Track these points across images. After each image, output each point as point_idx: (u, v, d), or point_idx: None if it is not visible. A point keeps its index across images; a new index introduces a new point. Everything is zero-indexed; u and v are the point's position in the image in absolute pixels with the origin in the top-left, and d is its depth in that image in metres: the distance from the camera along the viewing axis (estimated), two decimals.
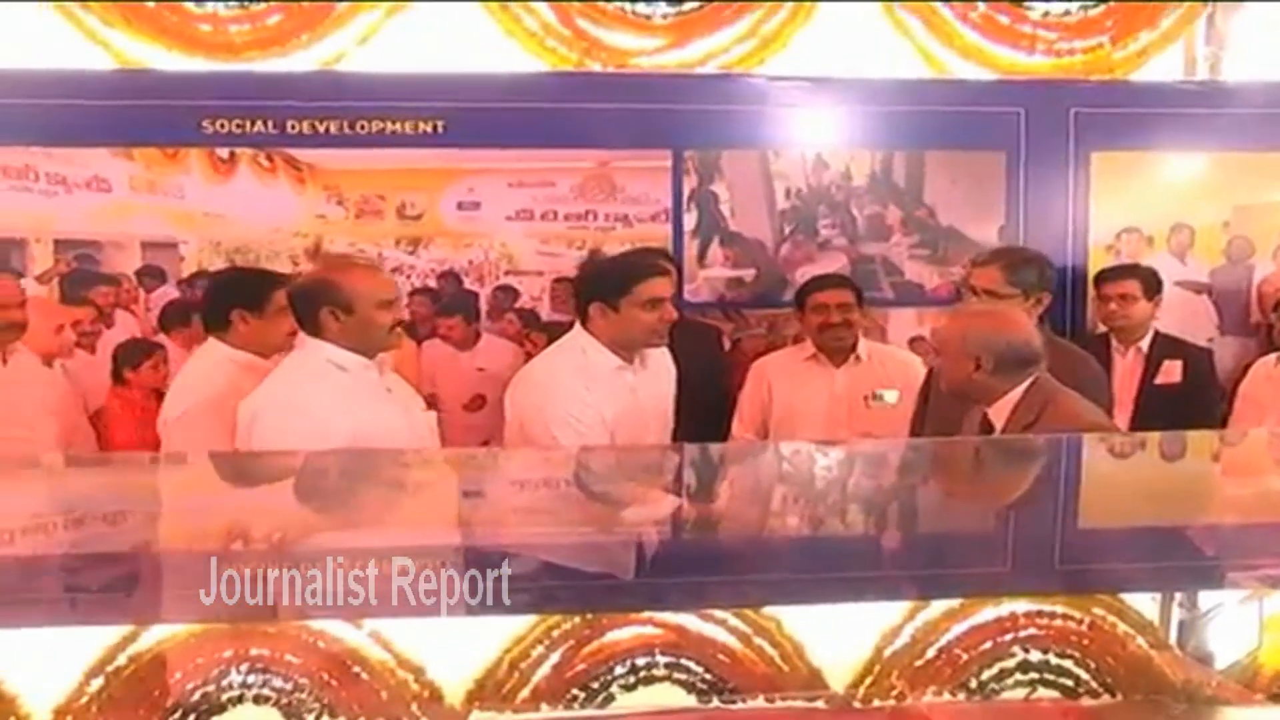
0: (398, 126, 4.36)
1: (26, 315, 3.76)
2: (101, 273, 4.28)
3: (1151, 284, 4.24)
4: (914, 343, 4.59)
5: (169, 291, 4.34)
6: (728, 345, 4.59)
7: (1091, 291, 4.46)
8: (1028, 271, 3.47)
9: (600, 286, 3.22)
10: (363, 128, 4.35)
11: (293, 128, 4.33)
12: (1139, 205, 4.69)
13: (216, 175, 4.34)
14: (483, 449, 3.08)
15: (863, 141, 4.61)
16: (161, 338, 4.32)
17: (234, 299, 3.36)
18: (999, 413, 2.89)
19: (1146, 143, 4.63)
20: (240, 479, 2.50)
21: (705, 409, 4.14)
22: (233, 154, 4.34)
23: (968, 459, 2.77)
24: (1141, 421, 3.94)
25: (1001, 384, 2.86)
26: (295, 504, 2.16)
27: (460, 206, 4.48)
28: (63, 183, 4.26)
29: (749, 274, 4.62)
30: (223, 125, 4.30)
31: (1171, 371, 4.14)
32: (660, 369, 3.40)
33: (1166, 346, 4.22)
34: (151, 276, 4.34)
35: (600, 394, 3.15)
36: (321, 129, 4.34)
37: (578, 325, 3.27)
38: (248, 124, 4.31)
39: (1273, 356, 3.83)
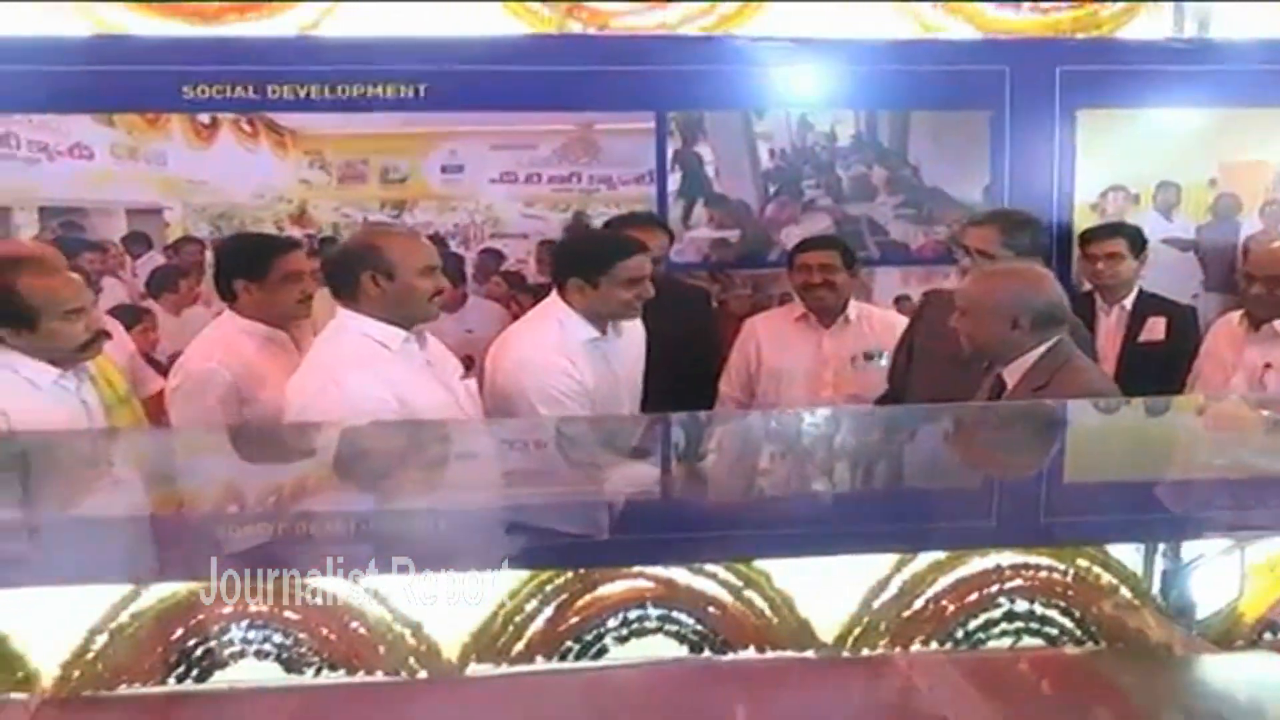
0: (379, 90, 4.33)
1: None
2: (88, 239, 4.25)
3: (1137, 242, 4.26)
4: (899, 303, 4.60)
5: (155, 257, 4.32)
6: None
7: (1076, 250, 4.48)
8: (1023, 235, 3.50)
9: (580, 263, 3.24)
10: (343, 92, 4.32)
11: (273, 93, 4.30)
12: (1125, 163, 4.69)
13: (198, 141, 4.31)
14: (511, 420, 3.06)
15: (847, 102, 4.59)
16: (149, 303, 4.31)
17: (235, 269, 3.29)
18: (1014, 371, 2.92)
19: (1133, 100, 4.62)
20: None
21: (694, 370, 4.17)
22: (214, 119, 4.31)
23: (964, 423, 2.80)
24: (1124, 379, 3.94)
25: (1030, 342, 2.89)
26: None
27: (444, 170, 4.46)
28: (44, 150, 4.23)
29: (734, 235, 4.62)
30: (203, 91, 4.27)
31: (1155, 329, 4.16)
32: (632, 338, 3.43)
33: (1150, 304, 4.24)
34: (137, 243, 4.31)
35: (579, 365, 3.17)
36: (302, 94, 4.30)
37: (554, 295, 3.28)
38: (228, 89, 4.28)
39: (1236, 314, 3.84)
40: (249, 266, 3.26)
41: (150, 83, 4.25)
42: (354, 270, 2.86)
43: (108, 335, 2.75)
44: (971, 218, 3.74)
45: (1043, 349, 2.89)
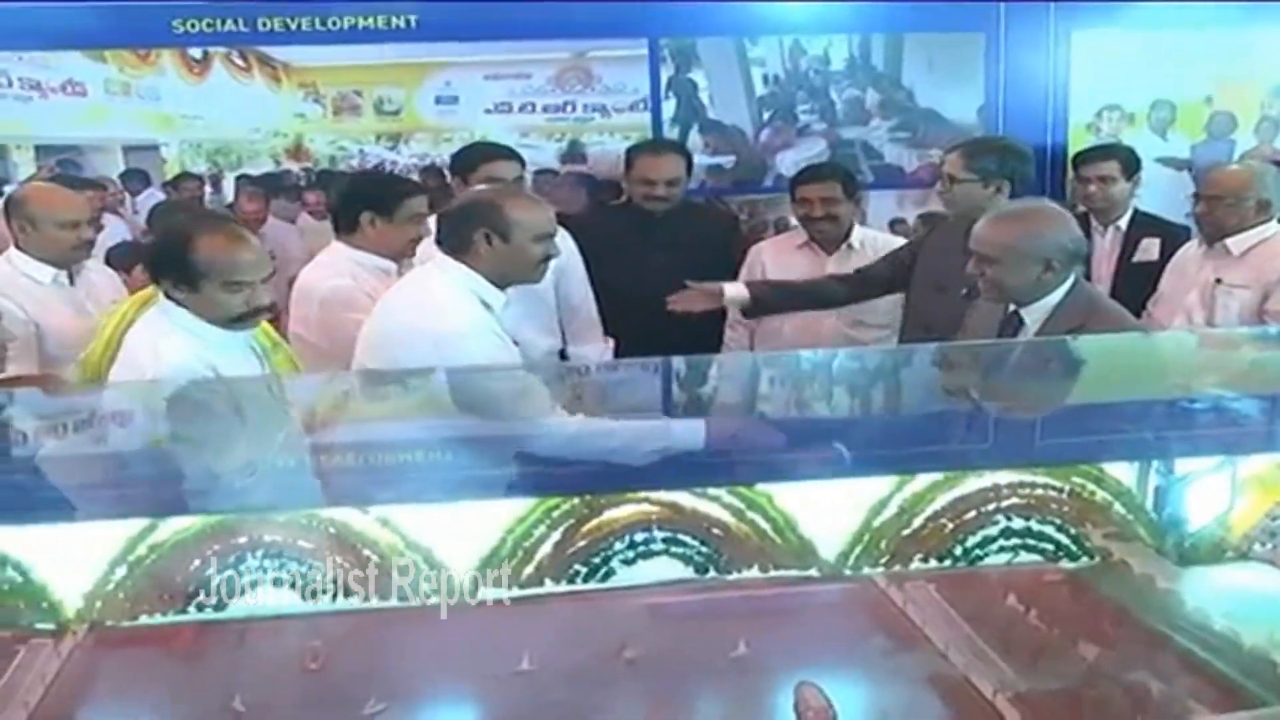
0: (371, 22, 4.32)
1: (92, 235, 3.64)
2: (86, 177, 4.26)
3: (1130, 163, 4.25)
4: (893, 225, 4.61)
5: (154, 194, 4.34)
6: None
7: (1071, 173, 4.48)
8: (987, 159, 3.54)
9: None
10: (335, 24, 4.31)
11: (264, 25, 4.29)
12: (1120, 83, 4.68)
13: (191, 76, 4.31)
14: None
15: (841, 25, 4.58)
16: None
17: (366, 202, 3.39)
18: (1035, 311, 2.88)
19: (1128, 20, 4.60)
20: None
21: None
22: (206, 54, 4.30)
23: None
24: (1119, 300, 3.95)
25: (1056, 282, 2.85)
26: None
27: (438, 101, 4.46)
28: (37, 88, 4.23)
29: (729, 160, 4.63)
30: (193, 25, 4.26)
31: (1149, 250, 4.17)
32: None
33: (1144, 225, 4.24)
34: (135, 179, 4.33)
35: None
36: (293, 26, 4.30)
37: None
38: (218, 22, 4.26)
39: (1195, 240, 3.88)
40: (379, 202, 3.38)
41: (139, 17, 4.24)
42: (470, 224, 2.83)
43: (270, 310, 2.77)
44: (949, 146, 3.79)
45: (1064, 289, 2.86)
